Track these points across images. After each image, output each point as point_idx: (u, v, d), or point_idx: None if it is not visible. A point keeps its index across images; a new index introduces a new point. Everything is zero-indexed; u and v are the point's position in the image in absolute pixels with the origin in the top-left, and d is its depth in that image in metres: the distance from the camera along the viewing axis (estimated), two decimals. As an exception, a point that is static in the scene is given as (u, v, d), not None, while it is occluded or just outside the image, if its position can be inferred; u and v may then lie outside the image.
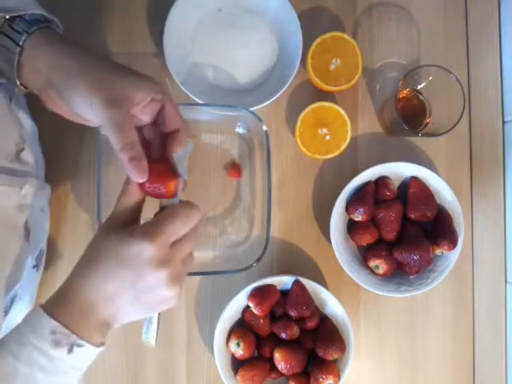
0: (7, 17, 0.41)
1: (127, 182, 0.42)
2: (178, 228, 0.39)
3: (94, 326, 0.39)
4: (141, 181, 0.40)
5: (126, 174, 0.41)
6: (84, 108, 0.39)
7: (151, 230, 0.38)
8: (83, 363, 0.38)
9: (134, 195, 0.41)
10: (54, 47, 0.41)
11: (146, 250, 0.37)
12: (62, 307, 0.38)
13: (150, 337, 0.47)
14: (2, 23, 0.41)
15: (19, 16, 0.42)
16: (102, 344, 0.40)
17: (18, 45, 0.40)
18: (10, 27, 0.41)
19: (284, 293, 0.64)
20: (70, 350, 0.37)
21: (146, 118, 0.42)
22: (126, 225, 0.40)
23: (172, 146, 0.43)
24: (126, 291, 0.39)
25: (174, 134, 0.43)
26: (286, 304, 0.63)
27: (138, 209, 0.42)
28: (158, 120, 0.43)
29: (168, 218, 0.39)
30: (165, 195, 0.42)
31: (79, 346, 0.37)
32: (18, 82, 0.43)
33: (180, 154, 0.43)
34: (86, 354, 0.38)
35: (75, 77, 0.39)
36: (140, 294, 0.39)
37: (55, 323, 0.36)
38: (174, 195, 0.42)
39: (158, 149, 0.44)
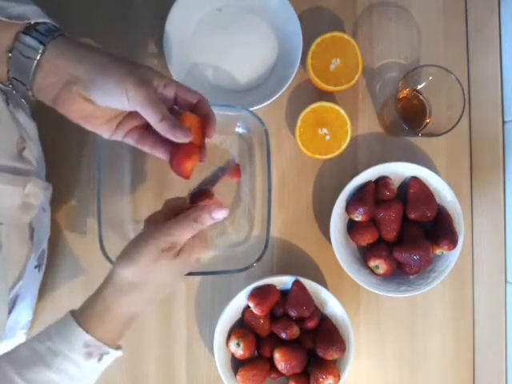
0: (32, 22, 0.41)
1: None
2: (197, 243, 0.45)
3: (120, 333, 0.43)
4: (186, 140, 0.42)
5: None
6: (117, 95, 0.40)
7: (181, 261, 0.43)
8: (106, 366, 0.42)
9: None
10: (77, 46, 0.42)
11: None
12: (97, 319, 0.41)
13: None
14: (22, 31, 0.41)
15: (36, 24, 0.41)
16: (120, 346, 0.44)
17: (42, 43, 0.40)
18: (27, 34, 0.41)
19: (284, 293, 0.64)
20: (100, 359, 0.40)
21: (168, 97, 0.44)
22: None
23: (207, 130, 0.46)
24: (160, 295, 0.44)
25: (206, 120, 0.45)
26: (286, 304, 0.63)
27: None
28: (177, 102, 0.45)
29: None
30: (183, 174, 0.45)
31: (107, 353, 0.41)
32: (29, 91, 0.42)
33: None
34: (111, 359, 0.42)
35: (105, 67, 0.40)
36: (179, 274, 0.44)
37: (89, 337, 0.39)
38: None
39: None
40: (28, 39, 0.40)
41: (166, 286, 0.44)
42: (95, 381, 0.42)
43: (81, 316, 0.41)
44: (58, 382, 0.38)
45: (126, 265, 0.41)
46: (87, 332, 0.39)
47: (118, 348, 0.43)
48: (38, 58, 0.40)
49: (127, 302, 0.41)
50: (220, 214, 0.45)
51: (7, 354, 0.40)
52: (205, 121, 0.45)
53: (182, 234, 0.43)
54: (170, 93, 0.44)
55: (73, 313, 0.41)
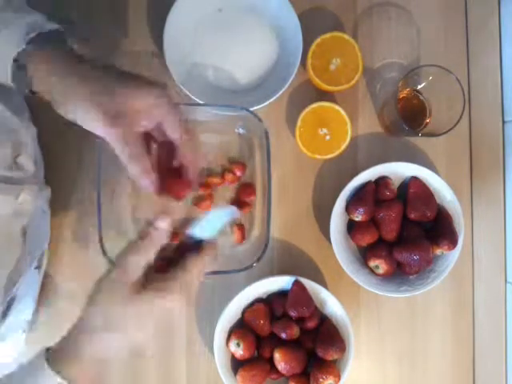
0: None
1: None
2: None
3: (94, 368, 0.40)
4: (151, 191, 0.41)
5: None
6: (89, 123, 0.40)
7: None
8: None
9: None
10: (54, 65, 0.41)
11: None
12: (69, 362, 0.38)
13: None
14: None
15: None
16: None
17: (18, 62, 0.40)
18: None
19: (284, 293, 0.64)
20: None
21: (150, 124, 0.42)
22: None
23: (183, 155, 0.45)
24: (137, 325, 0.40)
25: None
26: (286, 304, 0.63)
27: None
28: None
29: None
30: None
31: None
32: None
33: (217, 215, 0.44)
34: None
35: (75, 94, 0.40)
36: (147, 317, 0.40)
37: (59, 380, 0.37)
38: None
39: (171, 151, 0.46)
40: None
41: (132, 330, 0.39)
42: None
43: (54, 358, 0.38)
44: None
45: (91, 302, 0.40)
46: (59, 375, 0.37)
47: None
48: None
49: (96, 341, 0.39)
50: (161, 222, 0.41)
51: None
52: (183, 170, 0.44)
53: (133, 258, 0.39)
54: (157, 116, 0.42)
55: (48, 351, 0.39)
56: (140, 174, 0.41)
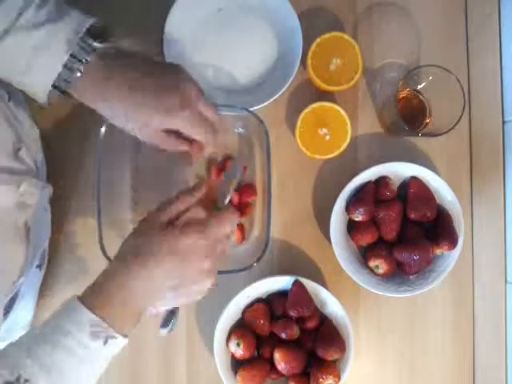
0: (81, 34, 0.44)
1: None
2: (222, 228, 0.47)
3: (129, 318, 0.43)
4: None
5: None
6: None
7: (199, 229, 0.45)
8: (113, 353, 0.41)
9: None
10: (98, 84, 0.45)
11: (196, 241, 0.44)
12: (102, 302, 0.41)
13: (173, 327, 0.51)
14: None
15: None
16: (127, 335, 0.43)
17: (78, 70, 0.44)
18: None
19: (284, 293, 0.64)
20: (106, 342, 0.40)
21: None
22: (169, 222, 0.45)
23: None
24: (169, 283, 0.43)
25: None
26: (286, 304, 0.63)
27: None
28: None
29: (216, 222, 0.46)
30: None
31: (113, 337, 0.40)
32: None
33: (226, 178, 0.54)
34: (118, 344, 0.41)
35: (115, 109, 0.47)
36: (180, 285, 0.44)
37: (95, 317, 0.39)
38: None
39: None
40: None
41: (172, 272, 0.43)
42: (101, 368, 0.41)
43: (87, 297, 0.41)
44: (63, 360, 0.38)
45: (130, 238, 0.45)
46: (93, 312, 0.39)
47: (127, 335, 0.42)
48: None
49: (126, 287, 0.42)
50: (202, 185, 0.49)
51: (15, 341, 0.40)
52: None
53: (166, 203, 0.46)
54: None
55: (78, 296, 0.41)
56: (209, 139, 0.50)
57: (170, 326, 0.50)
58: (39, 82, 0.44)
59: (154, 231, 0.44)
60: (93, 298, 0.41)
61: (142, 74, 0.46)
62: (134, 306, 0.43)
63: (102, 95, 0.45)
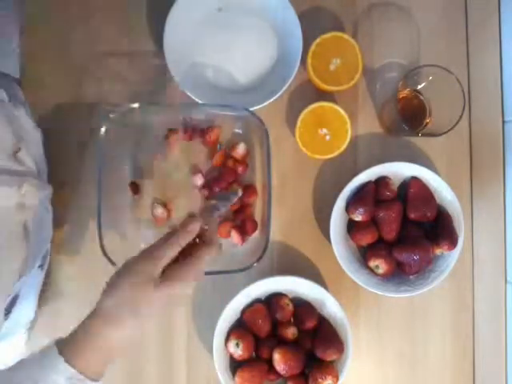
0: None
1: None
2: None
3: (105, 365, 0.41)
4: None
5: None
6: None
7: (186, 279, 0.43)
8: None
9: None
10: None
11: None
12: (81, 352, 0.40)
13: None
14: None
15: None
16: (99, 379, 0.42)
17: None
18: None
19: (284, 293, 0.64)
20: None
21: None
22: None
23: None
24: (142, 322, 0.42)
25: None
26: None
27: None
28: None
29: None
30: None
31: None
32: None
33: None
34: None
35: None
36: (161, 307, 0.42)
37: (73, 371, 0.38)
38: None
39: None
40: None
41: (145, 317, 0.42)
42: None
43: (65, 347, 0.40)
44: None
45: (109, 292, 0.41)
46: (70, 365, 0.38)
47: (97, 380, 0.41)
48: None
49: (107, 338, 0.40)
50: (192, 225, 0.45)
51: None
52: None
53: (159, 252, 0.42)
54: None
55: (57, 342, 0.40)
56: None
57: None
58: None
59: (149, 288, 0.41)
60: (73, 348, 0.40)
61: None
62: (112, 354, 0.42)
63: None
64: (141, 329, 0.42)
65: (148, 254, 0.43)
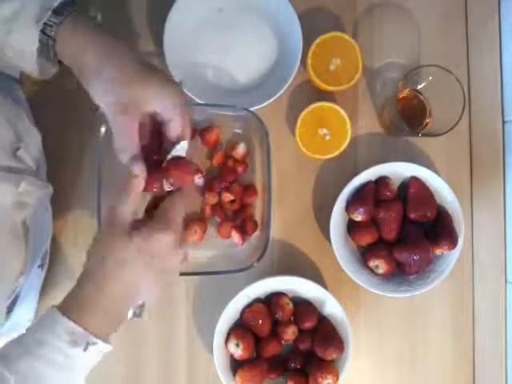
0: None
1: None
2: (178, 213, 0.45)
3: (108, 323, 0.42)
4: (138, 176, 0.44)
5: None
6: (100, 102, 0.42)
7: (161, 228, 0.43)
8: (94, 360, 0.41)
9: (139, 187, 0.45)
10: (79, 40, 0.43)
11: (162, 239, 0.43)
12: (79, 307, 0.40)
13: (141, 314, 0.49)
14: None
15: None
16: (109, 341, 0.42)
17: (50, 37, 0.42)
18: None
19: (284, 293, 0.64)
20: (86, 349, 0.39)
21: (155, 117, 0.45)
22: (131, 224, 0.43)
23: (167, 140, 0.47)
24: (144, 276, 0.42)
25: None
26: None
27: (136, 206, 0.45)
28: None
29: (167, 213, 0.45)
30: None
31: (93, 343, 0.40)
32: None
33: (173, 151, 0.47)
34: (99, 350, 0.41)
35: (95, 73, 0.42)
36: (154, 271, 0.43)
37: (72, 324, 0.39)
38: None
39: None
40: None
41: (135, 278, 0.42)
42: (84, 375, 0.41)
43: (63, 306, 0.41)
44: (47, 371, 0.38)
45: (88, 258, 0.43)
46: (70, 319, 0.39)
47: (109, 341, 0.42)
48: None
49: (101, 293, 0.41)
50: (135, 167, 0.44)
51: None
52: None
53: (117, 206, 0.43)
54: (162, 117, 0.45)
55: (56, 305, 0.41)
56: (129, 162, 0.44)
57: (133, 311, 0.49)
58: (23, 47, 0.43)
59: (124, 238, 0.42)
60: (71, 305, 0.41)
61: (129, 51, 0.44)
62: (116, 311, 0.42)
63: (88, 46, 0.42)
64: (134, 284, 0.42)
65: (109, 216, 0.43)
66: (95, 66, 0.42)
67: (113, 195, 0.61)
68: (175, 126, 0.45)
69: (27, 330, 0.40)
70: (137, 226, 0.43)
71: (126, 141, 0.43)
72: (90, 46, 0.42)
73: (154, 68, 0.44)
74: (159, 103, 0.44)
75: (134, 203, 0.44)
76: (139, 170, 0.44)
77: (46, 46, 0.43)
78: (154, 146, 0.48)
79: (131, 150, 0.44)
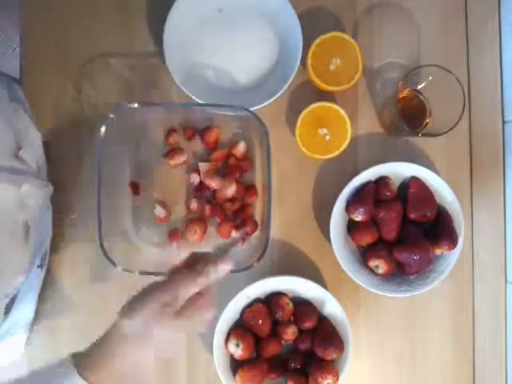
0: None
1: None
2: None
3: (117, 380, 0.42)
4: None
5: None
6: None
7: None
8: None
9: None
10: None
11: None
12: (97, 370, 0.40)
13: None
14: None
15: None
16: None
17: None
18: None
19: (283, 293, 0.64)
20: None
21: None
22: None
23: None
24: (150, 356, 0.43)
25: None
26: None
27: None
28: None
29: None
30: None
31: None
32: None
33: None
34: None
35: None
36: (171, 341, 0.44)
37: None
38: None
39: None
40: None
41: (165, 345, 0.43)
42: None
43: (81, 364, 0.40)
44: None
45: (128, 315, 0.42)
46: (83, 377, 0.39)
47: None
48: None
49: (127, 352, 0.41)
50: (224, 266, 0.45)
51: None
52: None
53: (184, 288, 0.43)
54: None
55: (75, 356, 0.41)
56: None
57: None
58: None
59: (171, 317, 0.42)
60: (87, 365, 0.40)
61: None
62: (124, 374, 0.42)
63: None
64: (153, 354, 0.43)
65: (173, 288, 0.43)
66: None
67: (113, 195, 0.61)
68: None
69: (39, 371, 0.40)
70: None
71: None
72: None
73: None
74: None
75: (195, 291, 0.44)
76: (227, 269, 0.45)
77: None
78: None
79: None
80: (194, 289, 0.43)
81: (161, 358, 0.43)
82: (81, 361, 0.40)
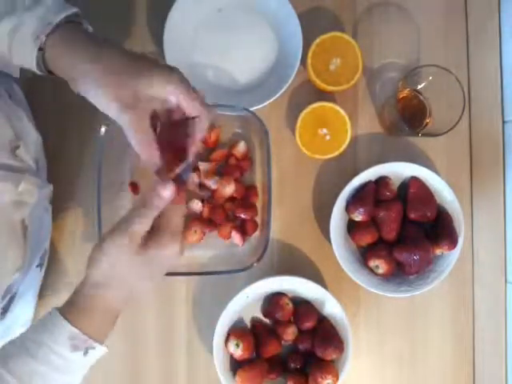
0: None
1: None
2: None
3: (107, 325, 0.43)
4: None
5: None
6: (101, 106, 0.41)
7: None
8: (92, 362, 0.42)
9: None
10: (69, 49, 0.42)
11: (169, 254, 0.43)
12: (81, 313, 0.41)
13: None
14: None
15: None
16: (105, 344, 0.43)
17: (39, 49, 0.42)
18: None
19: (283, 293, 0.64)
20: (86, 353, 0.40)
21: (163, 108, 0.44)
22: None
23: (193, 134, 0.45)
24: (144, 282, 0.43)
25: (195, 120, 0.44)
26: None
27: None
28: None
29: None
30: None
31: (93, 348, 0.41)
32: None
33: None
34: (97, 354, 0.42)
35: (87, 74, 0.41)
36: (152, 271, 0.43)
37: (74, 330, 0.40)
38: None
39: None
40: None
41: (137, 284, 0.43)
42: (82, 376, 0.42)
43: (65, 310, 0.41)
44: (44, 373, 0.39)
45: (92, 265, 0.42)
46: (72, 324, 0.40)
47: (102, 345, 0.42)
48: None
49: (103, 299, 0.42)
50: (166, 190, 0.41)
51: None
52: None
53: (135, 223, 0.41)
54: (170, 104, 0.43)
55: (58, 308, 0.42)
56: (148, 158, 0.43)
57: None
58: (24, 62, 0.44)
59: (130, 258, 0.41)
60: (72, 311, 0.41)
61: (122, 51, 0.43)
62: (113, 312, 0.43)
63: (75, 54, 0.41)
64: (136, 291, 0.43)
65: (126, 226, 0.41)
66: (83, 72, 0.41)
67: (113, 195, 0.61)
68: (187, 105, 0.43)
69: (28, 330, 0.41)
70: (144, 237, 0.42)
71: (140, 144, 0.42)
72: (77, 55, 0.41)
73: (143, 58, 0.43)
74: (159, 90, 0.42)
75: (150, 223, 0.42)
76: (169, 194, 0.42)
77: (42, 60, 0.43)
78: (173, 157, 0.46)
79: (149, 152, 0.42)
80: (144, 220, 0.41)
81: (134, 296, 0.44)
82: (65, 310, 0.41)
